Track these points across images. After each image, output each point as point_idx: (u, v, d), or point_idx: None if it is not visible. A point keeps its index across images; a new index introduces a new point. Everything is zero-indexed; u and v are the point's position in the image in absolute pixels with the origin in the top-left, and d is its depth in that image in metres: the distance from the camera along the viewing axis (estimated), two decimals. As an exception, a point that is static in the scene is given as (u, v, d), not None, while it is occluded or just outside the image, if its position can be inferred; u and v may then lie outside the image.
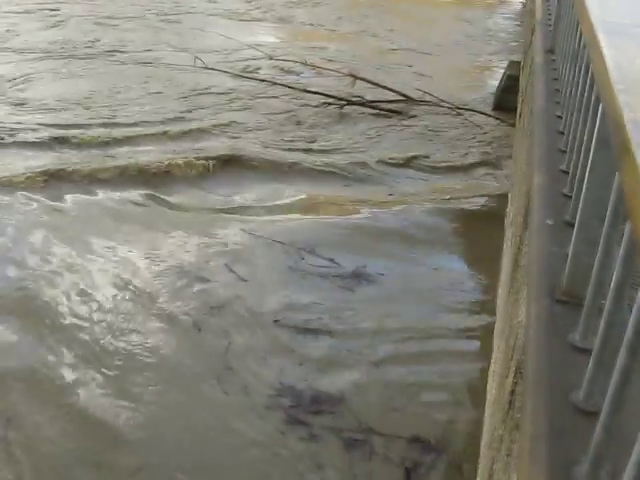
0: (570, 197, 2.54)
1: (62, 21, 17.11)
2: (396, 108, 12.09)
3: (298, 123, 11.51)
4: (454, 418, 5.29)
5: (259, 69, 14.00)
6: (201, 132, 10.84)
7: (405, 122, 11.71)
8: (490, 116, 12.02)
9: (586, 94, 2.48)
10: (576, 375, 1.71)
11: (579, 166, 2.42)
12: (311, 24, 18.26)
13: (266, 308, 6.49)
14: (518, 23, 18.18)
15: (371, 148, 10.63)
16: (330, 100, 12.15)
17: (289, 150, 10.32)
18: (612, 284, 1.55)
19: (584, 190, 2.02)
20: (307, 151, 10.35)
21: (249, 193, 9.01)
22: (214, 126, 11.10)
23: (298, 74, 13.73)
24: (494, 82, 13.34)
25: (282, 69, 13.96)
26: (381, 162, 10.05)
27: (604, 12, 1.76)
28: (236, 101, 12.29)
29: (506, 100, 11.78)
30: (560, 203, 2.62)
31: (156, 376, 5.63)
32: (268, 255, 7.41)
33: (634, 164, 0.98)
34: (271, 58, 14.36)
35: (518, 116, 7.72)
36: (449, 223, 8.43)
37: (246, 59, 14.62)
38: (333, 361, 5.89)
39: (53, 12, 17.88)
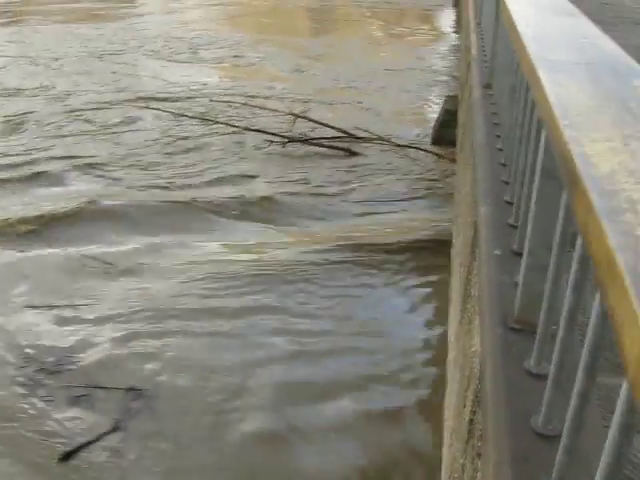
0: (516, 227, 2.61)
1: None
2: (339, 145, 12.25)
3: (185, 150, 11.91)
4: (161, 369, 6.36)
5: (200, 109, 14.07)
6: (54, 176, 10.76)
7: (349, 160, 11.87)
8: (429, 152, 12.24)
9: (526, 128, 2.56)
10: (534, 400, 1.75)
11: (522, 197, 2.50)
12: (252, 63, 18.44)
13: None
14: (455, 58, 18.69)
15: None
16: (273, 138, 12.24)
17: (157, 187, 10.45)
18: (564, 310, 1.59)
19: (531, 220, 2.08)
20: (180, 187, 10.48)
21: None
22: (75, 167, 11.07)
23: (244, 116, 13.79)
24: (434, 116, 13.64)
25: (218, 110, 14.02)
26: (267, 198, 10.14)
27: (542, 50, 1.85)
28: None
29: (445, 134, 12.08)
30: (507, 233, 2.69)
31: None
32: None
33: (584, 196, 1.03)
34: (211, 100, 14.46)
35: (459, 149, 7.90)
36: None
37: (182, 98, 14.74)
38: (75, 331, 6.96)
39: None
